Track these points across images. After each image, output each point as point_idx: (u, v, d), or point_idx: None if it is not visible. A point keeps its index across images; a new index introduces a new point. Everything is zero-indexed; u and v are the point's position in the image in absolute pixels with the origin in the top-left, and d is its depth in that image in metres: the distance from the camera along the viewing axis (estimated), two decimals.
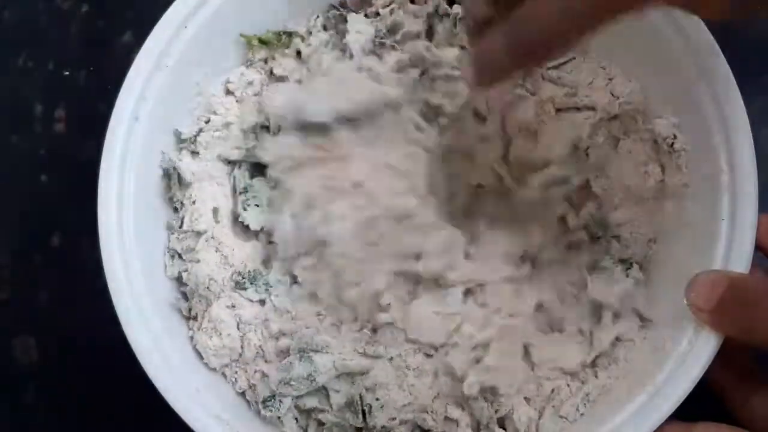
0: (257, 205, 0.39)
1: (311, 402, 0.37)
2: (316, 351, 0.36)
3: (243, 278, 0.38)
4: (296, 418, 0.37)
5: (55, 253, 0.48)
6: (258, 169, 0.40)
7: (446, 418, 0.37)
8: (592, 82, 0.40)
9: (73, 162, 0.48)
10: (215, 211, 0.39)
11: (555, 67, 0.40)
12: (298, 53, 0.41)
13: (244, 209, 0.39)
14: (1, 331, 0.47)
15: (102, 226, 0.36)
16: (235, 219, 0.40)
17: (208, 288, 0.38)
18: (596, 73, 0.40)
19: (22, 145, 0.49)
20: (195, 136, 0.39)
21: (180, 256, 0.39)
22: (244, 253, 0.39)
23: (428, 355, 0.37)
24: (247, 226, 0.39)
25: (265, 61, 0.41)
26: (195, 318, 0.38)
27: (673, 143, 0.37)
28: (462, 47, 0.40)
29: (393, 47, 0.39)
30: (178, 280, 0.39)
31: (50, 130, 0.49)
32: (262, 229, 0.39)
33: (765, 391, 0.34)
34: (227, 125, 0.40)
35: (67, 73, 0.50)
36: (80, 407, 0.46)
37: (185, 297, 0.39)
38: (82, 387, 0.46)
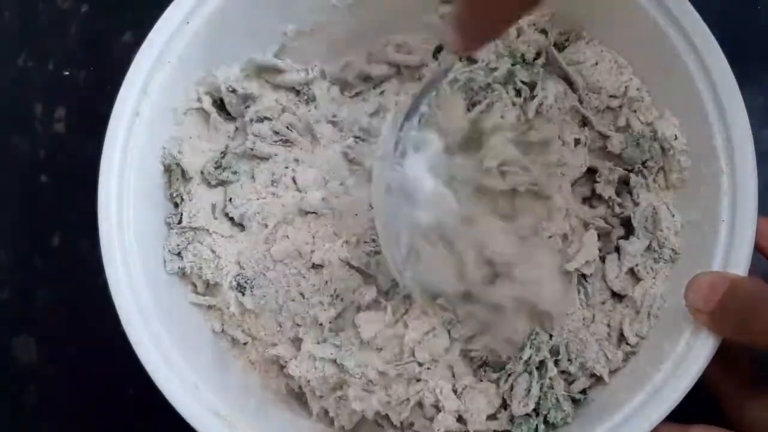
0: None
1: None
2: None
3: (245, 282, 0.38)
4: None
5: (55, 253, 0.48)
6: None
7: None
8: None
9: (73, 162, 0.48)
10: (213, 207, 0.39)
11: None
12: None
13: (230, 199, 0.39)
14: (1, 331, 0.47)
15: (102, 225, 0.36)
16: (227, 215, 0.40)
17: (207, 284, 0.38)
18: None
19: (22, 145, 0.49)
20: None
21: (178, 252, 0.39)
22: (236, 250, 0.39)
23: None
24: (233, 219, 0.39)
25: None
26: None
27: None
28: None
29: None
30: (178, 275, 0.39)
31: (50, 130, 0.49)
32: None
33: (762, 394, 0.34)
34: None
35: (67, 73, 0.50)
36: (80, 407, 0.46)
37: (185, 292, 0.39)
38: (82, 387, 0.46)
